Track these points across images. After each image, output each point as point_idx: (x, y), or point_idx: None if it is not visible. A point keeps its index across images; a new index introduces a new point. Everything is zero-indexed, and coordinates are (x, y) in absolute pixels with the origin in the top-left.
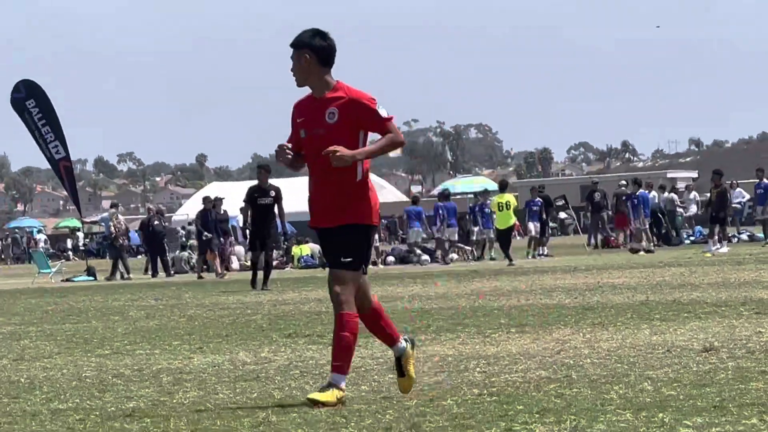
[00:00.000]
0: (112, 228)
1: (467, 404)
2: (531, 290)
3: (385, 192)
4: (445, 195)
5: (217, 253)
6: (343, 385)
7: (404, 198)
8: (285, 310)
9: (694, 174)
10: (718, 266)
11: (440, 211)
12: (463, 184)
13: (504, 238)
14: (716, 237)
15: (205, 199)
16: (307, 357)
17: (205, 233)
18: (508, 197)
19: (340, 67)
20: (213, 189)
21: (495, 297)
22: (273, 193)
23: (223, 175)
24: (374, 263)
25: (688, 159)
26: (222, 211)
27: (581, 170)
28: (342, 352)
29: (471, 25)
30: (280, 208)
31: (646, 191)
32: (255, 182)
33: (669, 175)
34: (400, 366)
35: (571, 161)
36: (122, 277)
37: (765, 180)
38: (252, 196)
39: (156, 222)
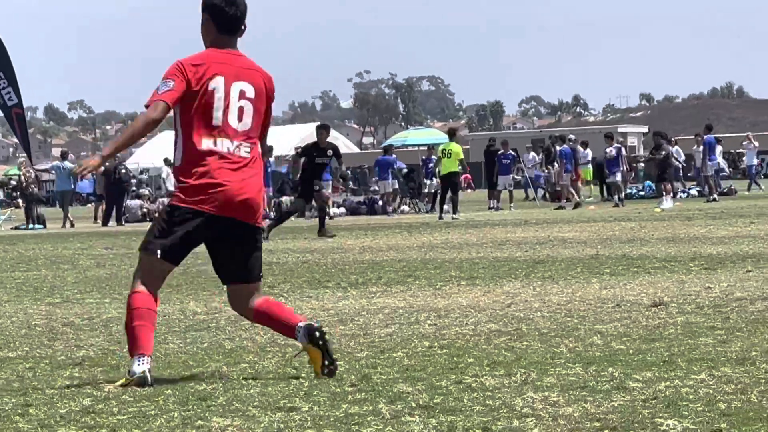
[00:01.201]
0: (22, 177)
1: (418, 356)
2: (482, 243)
3: (338, 143)
4: (384, 149)
5: None
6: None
7: (356, 149)
8: None
9: (645, 129)
10: (667, 221)
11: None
12: (414, 137)
13: (444, 185)
14: (664, 193)
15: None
16: None
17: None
18: (453, 145)
19: (298, 21)
20: (166, 139)
21: (446, 250)
22: (330, 152)
23: None
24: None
25: (638, 114)
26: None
27: (532, 124)
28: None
29: None
30: (340, 163)
31: (567, 146)
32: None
33: (620, 130)
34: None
35: (523, 115)
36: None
37: (709, 136)
38: (311, 155)
39: (123, 171)
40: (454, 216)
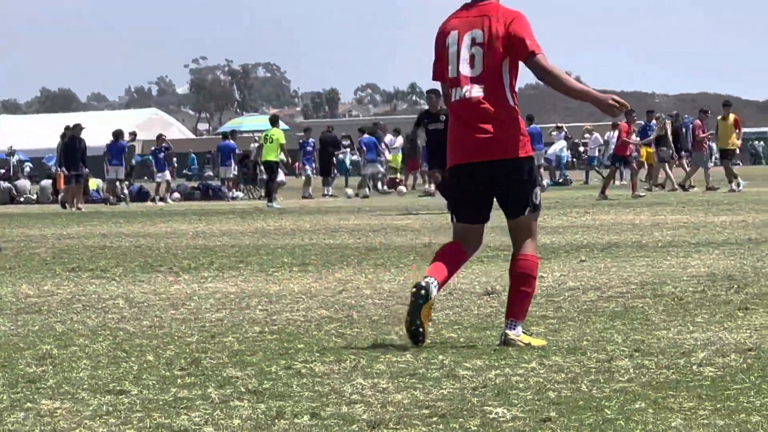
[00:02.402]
0: None
1: (248, 341)
2: (314, 230)
3: (173, 129)
4: (224, 134)
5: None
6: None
7: (191, 135)
8: (69, 244)
9: None
10: (500, 210)
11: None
12: (250, 123)
13: (268, 170)
14: None
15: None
16: (90, 291)
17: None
18: (274, 131)
19: (134, 4)
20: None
21: (279, 236)
22: (443, 118)
23: (11, 108)
24: (158, 198)
25: None
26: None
27: (368, 111)
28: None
29: None
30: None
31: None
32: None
33: None
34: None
35: (358, 102)
36: None
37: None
38: (423, 122)
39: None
40: (269, 204)
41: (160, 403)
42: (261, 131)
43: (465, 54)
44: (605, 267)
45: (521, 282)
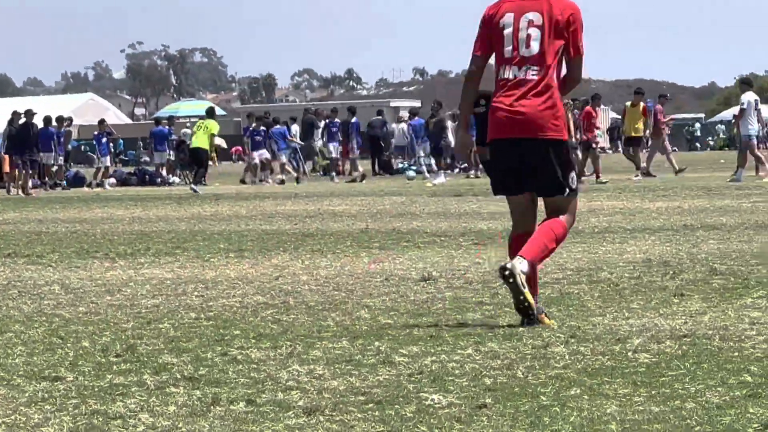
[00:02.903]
0: None
1: (184, 327)
2: (251, 216)
3: (109, 114)
4: (156, 120)
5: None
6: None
7: (128, 120)
8: (5, 230)
9: (417, 103)
10: (438, 197)
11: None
12: (186, 108)
13: (195, 158)
14: (435, 167)
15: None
16: (26, 277)
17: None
18: (209, 122)
19: None
20: None
21: (215, 222)
22: (483, 102)
23: None
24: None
25: (411, 88)
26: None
27: (305, 97)
28: None
29: None
30: None
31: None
32: None
33: (392, 104)
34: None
35: (295, 87)
36: None
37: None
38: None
39: None
40: (193, 187)
41: (96, 389)
42: (198, 116)
43: (522, 35)
44: None
45: (545, 243)
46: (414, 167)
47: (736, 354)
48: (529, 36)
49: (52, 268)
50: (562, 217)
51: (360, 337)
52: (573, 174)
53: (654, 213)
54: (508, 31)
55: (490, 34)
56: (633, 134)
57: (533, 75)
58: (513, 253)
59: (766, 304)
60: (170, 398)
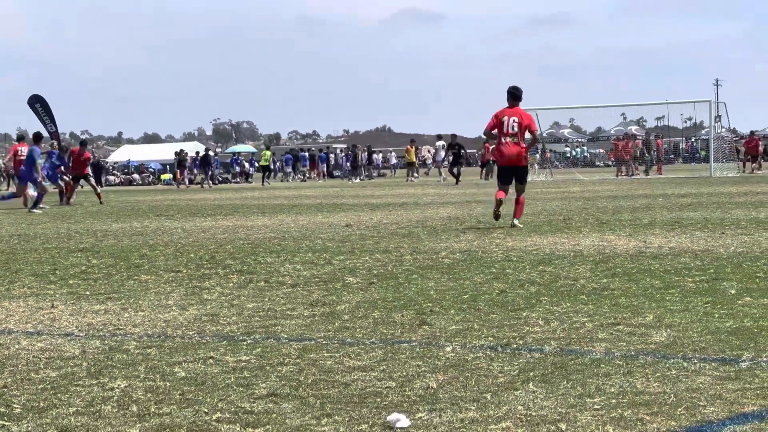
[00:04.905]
0: None
1: (236, 248)
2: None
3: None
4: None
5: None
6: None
7: (212, 153)
8: (159, 200)
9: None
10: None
11: None
12: (239, 148)
13: (264, 169)
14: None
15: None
16: (165, 225)
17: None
18: (266, 152)
19: None
20: None
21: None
22: (457, 147)
23: None
24: None
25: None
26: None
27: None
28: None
29: None
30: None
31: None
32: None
33: None
34: None
35: (289, 139)
36: None
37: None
38: (451, 146)
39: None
40: (266, 182)
41: (196, 276)
42: (248, 152)
43: (512, 124)
44: None
45: (519, 204)
46: None
47: None
48: (512, 124)
49: (176, 221)
50: (521, 196)
51: (318, 251)
52: (527, 178)
53: None
54: (505, 121)
55: (496, 123)
56: None
57: (515, 140)
58: (499, 195)
59: None
60: (230, 281)
